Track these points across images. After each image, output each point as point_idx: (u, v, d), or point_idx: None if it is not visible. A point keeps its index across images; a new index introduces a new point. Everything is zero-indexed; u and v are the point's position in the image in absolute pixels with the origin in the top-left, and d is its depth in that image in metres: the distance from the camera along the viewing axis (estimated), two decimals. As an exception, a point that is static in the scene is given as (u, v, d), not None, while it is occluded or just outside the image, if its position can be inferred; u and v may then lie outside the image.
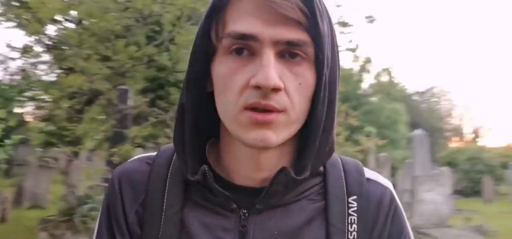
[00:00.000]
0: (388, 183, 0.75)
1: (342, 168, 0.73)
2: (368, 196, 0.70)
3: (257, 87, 0.58)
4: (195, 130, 0.68)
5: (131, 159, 0.76)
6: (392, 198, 0.73)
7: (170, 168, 0.71)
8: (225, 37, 0.61)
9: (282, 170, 0.64)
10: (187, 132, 0.67)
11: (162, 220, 0.67)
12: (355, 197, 0.69)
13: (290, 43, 0.59)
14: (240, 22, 0.60)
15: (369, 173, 0.74)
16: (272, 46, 0.59)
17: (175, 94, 6.87)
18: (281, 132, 0.61)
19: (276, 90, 0.58)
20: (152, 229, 0.67)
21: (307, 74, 0.62)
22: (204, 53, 0.65)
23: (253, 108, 0.59)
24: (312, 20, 0.60)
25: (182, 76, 7.52)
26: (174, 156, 0.72)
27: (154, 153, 0.75)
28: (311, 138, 0.65)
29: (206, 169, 0.64)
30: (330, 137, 0.66)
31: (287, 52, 0.61)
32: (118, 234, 0.69)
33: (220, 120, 0.68)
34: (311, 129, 0.64)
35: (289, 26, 0.59)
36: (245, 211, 0.66)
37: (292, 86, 0.60)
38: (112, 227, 0.70)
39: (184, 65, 7.65)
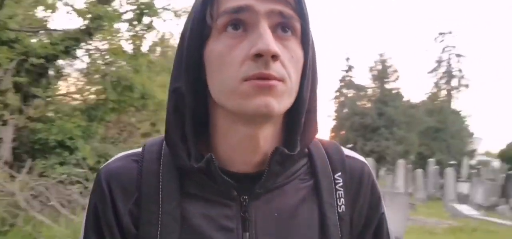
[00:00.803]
0: (363, 159, 0.79)
1: (323, 148, 0.76)
2: (350, 171, 0.75)
3: (258, 56, 0.59)
4: (193, 118, 0.67)
5: (114, 158, 0.73)
6: (369, 172, 0.78)
7: (161, 163, 0.70)
8: (220, 15, 0.62)
9: (276, 149, 0.66)
10: (188, 121, 0.66)
11: (160, 216, 0.66)
12: (340, 173, 0.74)
13: (282, 14, 0.62)
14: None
15: (346, 151, 0.78)
16: (266, 17, 0.61)
17: (4, 53, 6.17)
18: (281, 100, 0.62)
19: (275, 58, 0.60)
20: (151, 227, 0.66)
21: (297, 49, 0.64)
22: (198, 38, 0.65)
23: (257, 78, 0.60)
24: (299, 2, 0.64)
25: (13, 35, 6.79)
26: (163, 150, 0.71)
27: (138, 150, 0.74)
28: (297, 115, 0.67)
29: (213, 156, 0.64)
30: (315, 118, 0.70)
31: (279, 27, 0.63)
32: (109, 236, 0.68)
33: (210, 109, 0.69)
34: (297, 107, 0.66)
35: (280, 1, 0.62)
36: (245, 197, 0.67)
37: (286, 58, 0.62)
38: (101, 230, 0.68)
39: (15, 23, 6.87)
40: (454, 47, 33.95)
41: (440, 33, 34.30)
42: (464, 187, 15.13)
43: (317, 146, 0.76)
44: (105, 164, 0.73)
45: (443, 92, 34.31)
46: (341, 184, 0.73)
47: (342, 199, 0.72)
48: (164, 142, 0.71)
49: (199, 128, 0.69)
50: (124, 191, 0.69)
